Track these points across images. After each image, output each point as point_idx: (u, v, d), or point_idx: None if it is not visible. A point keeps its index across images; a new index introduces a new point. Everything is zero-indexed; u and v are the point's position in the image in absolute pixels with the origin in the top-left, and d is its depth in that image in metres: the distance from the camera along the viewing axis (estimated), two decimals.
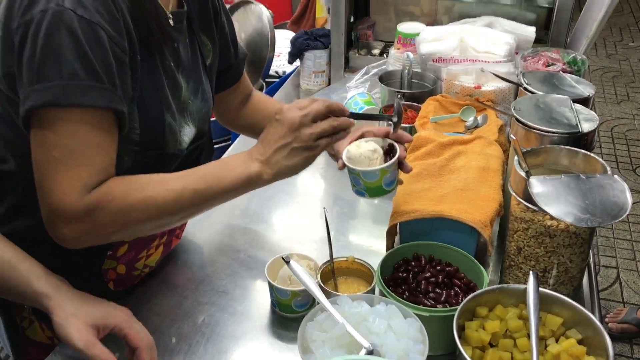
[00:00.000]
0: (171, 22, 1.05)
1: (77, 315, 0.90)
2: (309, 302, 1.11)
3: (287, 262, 1.05)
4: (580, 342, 0.98)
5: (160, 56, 1.03)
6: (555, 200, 1.02)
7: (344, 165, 1.12)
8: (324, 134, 1.01)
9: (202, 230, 1.39)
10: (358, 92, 1.84)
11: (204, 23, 1.17)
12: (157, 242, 1.21)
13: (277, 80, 2.36)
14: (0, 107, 0.98)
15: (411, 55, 1.79)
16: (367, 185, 1.10)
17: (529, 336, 0.97)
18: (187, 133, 1.11)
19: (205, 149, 1.22)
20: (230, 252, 1.32)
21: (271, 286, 1.11)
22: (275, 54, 2.59)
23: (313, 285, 1.01)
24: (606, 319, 2.52)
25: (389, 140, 1.15)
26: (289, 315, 1.13)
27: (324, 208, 1.19)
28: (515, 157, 1.11)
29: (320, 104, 1.01)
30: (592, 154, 1.13)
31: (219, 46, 1.22)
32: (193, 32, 1.14)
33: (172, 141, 1.07)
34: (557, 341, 0.99)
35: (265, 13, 2.31)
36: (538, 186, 1.04)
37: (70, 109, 0.87)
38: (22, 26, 0.86)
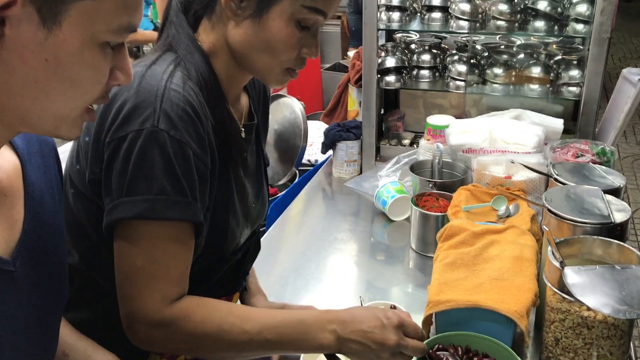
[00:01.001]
0: (243, 134, 1.13)
1: None
2: None
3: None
4: None
5: (234, 167, 1.09)
6: (591, 291, 1.02)
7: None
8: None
9: None
10: (390, 180, 1.88)
11: (264, 130, 1.26)
12: None
13: (311, 168, 2.43)
14: (74, 204, 1.04)
15: (441, 145, 1.84)
16: None
17: None
18: (244, 235, 1.18)
19: (253, 246, 1.26)
20: None
21: None
22: (308, 143, 2.68)
23: None
24: None
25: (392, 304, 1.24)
26: None
27: (360, 297, 1.20)
28: (549, 248, 1.12)
29: (421, 346, 1.06)
30: (626, 245, 1.14)
31: None
32: (259, 140, 1.22)
33: (232, 246, 1.12)
34: None
35: (298, 105, 2.42)
36: (573, 277, 1.05)
37: (156, 222, 0.93)
38: (115, 141, 0.93)
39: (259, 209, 1.22)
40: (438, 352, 1.10)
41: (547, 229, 1.10)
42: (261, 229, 2.01)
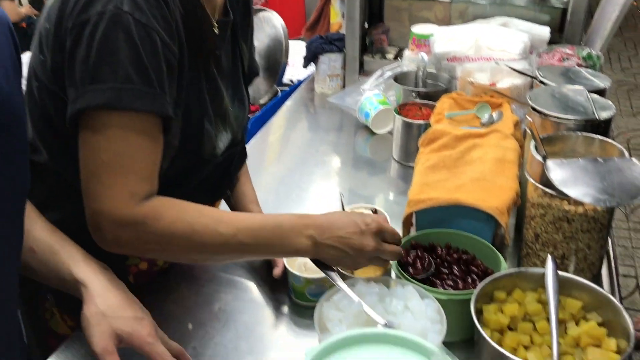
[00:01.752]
0: (216, 30, 1.07)
1: (106, 317, 0.88)
2: (324, 292, 1.10)
3: None
4: (600, 324, 0.97)
5: (204, 63, 1.04)
6: (573, 182, 1.02)
7: (279, 274, 1.17)
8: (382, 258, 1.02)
9: None
10: (373, 93, 1.85)
11: (243, 31, 1.20)
12: None
13: (291, 86, 2.38)
14: (40, 99, 1.00)
15: (425, 56, 1.80)
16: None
17: (548, 320, 0.96)
18: (223, 139, 1.13)
19: (237, 155, 1.23)
20: None
21: (287, 272, 1.12)
22: (289, 64, 2.62)
23: (328, 269, 1.01)
24: None
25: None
26: (303, 303, 1.13)
27: (340, 193, 1.19)
28: (532, 142, 1.10)
29: (399, 250, 1.04)
30: (609, 140, 1.13)
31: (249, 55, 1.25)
32: (236, 40, 1.17)
33: (209, 147, 1.08)
34: (577, 324, 0.98)
35: (278, 19, 2.34)
36: (556, 169, 1.04)
37: (123, 112, 0.88)
38: (77, 26, 0.87)
39: (237, 112, 1.18)
40: (409, 250, 1.10)
41: (530, 120, 1.08)
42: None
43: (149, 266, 1.17)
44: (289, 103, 2.11)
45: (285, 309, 1.15)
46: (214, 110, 1.08)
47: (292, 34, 2.65)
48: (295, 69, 2.84)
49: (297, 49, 2.79)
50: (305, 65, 2.12)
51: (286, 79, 2.68)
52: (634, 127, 4.17)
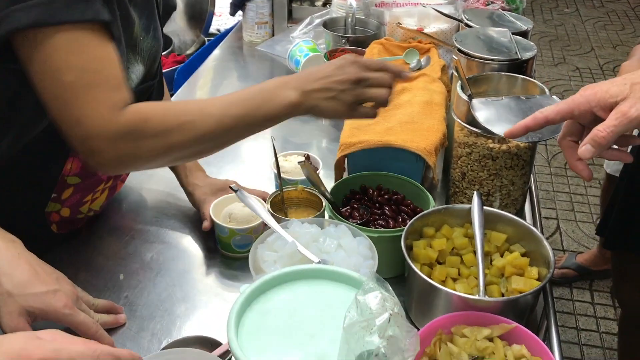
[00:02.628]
0: None
1: (12, 296, 0.83)
2: (250, 242, 1.09)
3: (235, 191, 1.05)
4: (523, 255, 1.02)
5: None
6: (497, 120, 1.04)
7: (209, 226, 1.16)
8: (370, 100, 0.97)
9: (147, 175, 1.36)
10: (303, 40, 1.82)
11: None
12: (102, 186, 1.17)
13: (218, 34, 2.32)
14: None
15: (354, 2, 1.79)
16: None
17: (475, 253, 1.00)
18: (136, 71, 1.07)
19: (155, 91, 1.18)
20: (177, 194, 1.30)
21: (214, 223, 1.11)
22: (216, 12, 2.54)
23: (262, 210, 1.01)
24: None
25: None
26: (229, 254, 1.12)
27: (272, 137, 1.17)
28: (459, 83, 1.12)
29: (386, 75, 0.97)
30: (530, 79, 1.17)
31: None
32: None
33: None
34: (501, 256, 1.03)
35: None
36: (481, 108, 1.07)
37: (61, 27, 0.81)
38: None
39: (150, 43, 1.11)
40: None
41: (456, 58, 1.10)
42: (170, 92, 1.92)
43: (72, 213, 1.13)
44: (216, 52, 2.06)
45: (215, 259, 1.14)
46: (126, 40, 1.03)
47: None
48: (222, 19, 2.76)
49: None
50: (233, 13, 2.06)
51: (213, 28, 2.60)
52: (555, 77, 4.33)
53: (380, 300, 0.60)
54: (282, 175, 1.16)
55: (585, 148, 0.76)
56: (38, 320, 0.84)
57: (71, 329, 0.86)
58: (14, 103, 0.93)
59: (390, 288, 0.65)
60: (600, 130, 0.74)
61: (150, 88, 1.14)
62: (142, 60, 1.08)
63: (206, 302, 1.03)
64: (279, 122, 0.95)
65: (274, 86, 0.94)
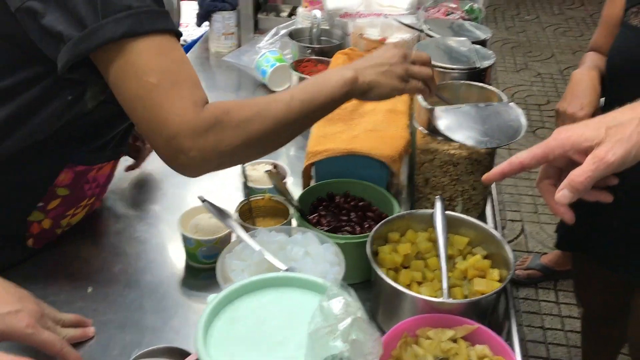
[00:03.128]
0: None
1: None
2: (217, 253, 1.09)
3: (203, 201, 1.06)
4: (485, 257, 1.05)
5: None
6: (457, 127, 1.08)
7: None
8: (416, 76, 1.06)
9: (118, 187, 1.36)
10: (269, 50, 1.84)
11: None
12: (85, 202, 1.18)
13: (184, 45, 2.32)
14: None
15: (319, 13, 1.82)
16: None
17: (438, 256, 1.03)
18: None
19: None
20: (146, 205, 1.30)
21: (181, 234, 1.11)
22: (182, 23, 2.54)
23: (229, 220, 1.02)
24: None
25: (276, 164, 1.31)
26: (196, 265, 1.13)
27: None
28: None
29: (423, 54, 1.09)
30: (489, 87, 1.21)
31: None
32: None
33: None
34: (464, 259, 1.06)
35: None
36: (441, 116, 1.10)
37: (146, 37, 0.87)
38: None
39: None
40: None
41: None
42: None
43: (52, 226, 1.13)
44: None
45: (183, 270, 1.14)
46: None
47: None
48: (188, 29, 2.77)
49: (190, 9, 2.71)
50: (199, 24, 2.07)
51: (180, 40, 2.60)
52: (518, 82, 4.43)
53: (343, 306, 0.62)
54: (250, 184, 1.18)
55: (562, 194, 0.73)
56: (1, 340, 0.84)
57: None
58: (31, 105, 0.97)
59: (354, 293, 0.67)
60: (577, 176, 0.71)
61: None
62: None
63: (174, 313, 1.04)
64: (342, 102, 1.02)
65: (332, 72, 1.03)
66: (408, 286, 1.00)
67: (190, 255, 1.12)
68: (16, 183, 1.04)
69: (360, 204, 1.18)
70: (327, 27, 1.84)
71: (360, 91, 1.02)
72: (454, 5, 1.65)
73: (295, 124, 0.98)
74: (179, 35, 0.94)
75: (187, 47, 2.19)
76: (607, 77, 1.30)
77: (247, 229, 1.05)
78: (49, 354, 0.87)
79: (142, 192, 1.37)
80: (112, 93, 0.96)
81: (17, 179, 1.04)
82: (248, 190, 1.17)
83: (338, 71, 1.02)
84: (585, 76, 1.28)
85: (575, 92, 1.27)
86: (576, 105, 1.25)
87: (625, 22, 1.24)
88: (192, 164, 0.90)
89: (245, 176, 1.17)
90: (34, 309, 0.88)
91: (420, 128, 1.16)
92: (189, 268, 1.14)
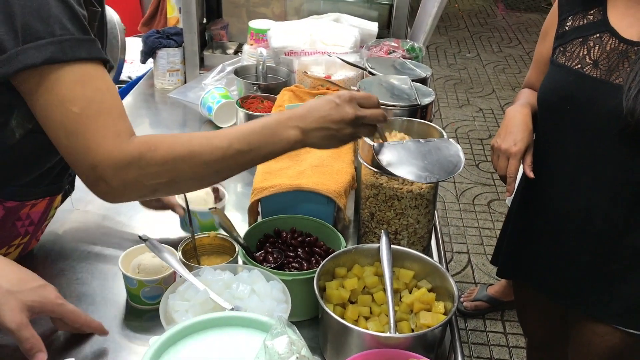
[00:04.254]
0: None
1: (12, 293, 0.88)
2: (160, 294, 1.07)
3: (145, 240, 1.04)
4: (430, 290, 1.06)
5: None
6: (398, 163, 1.10)
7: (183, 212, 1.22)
8: (368, 121, 1.03)
9: (57, 227, 1.32)
10: (215, 87, 1.85)
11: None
12: (18, 241, 1.13)
13: (129, 82, 2.30)
14: None
15: (264, 50, 1.84)
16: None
17: (385, 290, 1.03)
18: None
19: None
20: (87, 246, 1.27)
21: (122, 275, 1.09)
22: (127, 60, 2.52)
23: (172, 259, 1.00)
24: (461, 299, 2.72)
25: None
26: (139, 306, 1.10)
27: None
28: None
29: (379, 111, 1.04)
30: (429, 123, 1.24)
31: None
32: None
33: None
34: (410, 292, 1.07)
35: (114, 14, 2.24)
36: (384, 152, 1.12)
37: (70, 65, 0.86)
38: None
39: None
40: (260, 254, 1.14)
41: None
42: None
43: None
44: (128, 99, 2.04)
45: (125, 311, 1.11)
46: None
47: (129, 31, 2.55)
48: (132, 66, 2.75)
49: (134, 46, 2.69)
50: (143, 61, 2.06)
51: (124, 75, 2.58)
52: (460, 118, 4.57)
53: (287, 344, 0.61)
54: (191, 206, 1.17)
55: None
56: (35, 315, 0.91)
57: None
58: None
59: (297, 331, 0.66)
60: None
61: None
62: None
63: (116, 357, 1.00)
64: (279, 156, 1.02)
65: (276, 123, 0.99)
66: (355, 321, 1.00)
67: (132, 296, 1.09)
68: None
69: (308, 239, 1.18)
70: (273, 65, 1.86)
71: (300, 148, 1.02)
72: (395, 44, 1.69)
73: (228, 171, 0.98)
74: (107, 63, 0.93)
75: (132, 84, 2.17)
76: (538, 112, 1.35)
77: (191, 268, 1.03)
78: (74, 324, 0.96)
79: (82, 230, 1.33)
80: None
81: None
82: (192, 229, 1.15)
83: (284, 128, 0.99)
84: (518, 113, 1.33)
85: (508, 128, 1.32)
86: (509, 141, 1.29)
87: (553, 60, 1.31)
88: (113, 193, 0.90)
89: (188, 212, 1.16)
90: (52, 285, 0.95)
91: (364, 163, 1.17)
92: (131, 309, 1.11)
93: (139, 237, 1.05)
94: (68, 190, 1.24)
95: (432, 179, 1.05)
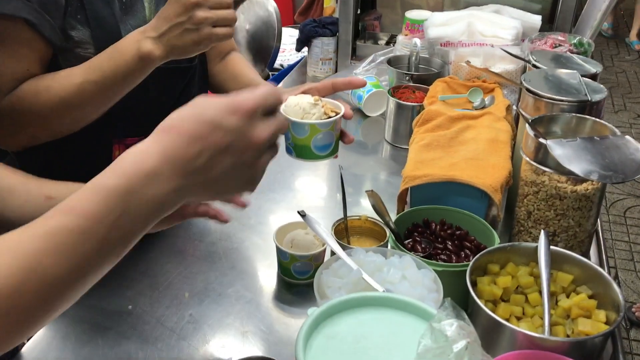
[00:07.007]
0: None
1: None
2: (310, 270, 1.11)
3: (303, 216, 1.07)
4: (590, 297, 0.99)
5: None
6: (576, 160, 1.03)
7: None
8: (217, 23, 1.00)
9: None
10: (366, 76, 1.86)
11: None
12: None
13: (281, 70, 2.38)
14: None
15: (419, 41, 1.82)
16: (294, 141, 0.90)
17: (540, 292, 0.98)
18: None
19: (198, 74, 1.24)
20: (242, 219, 1.33)
21: (276, 247, 1.13)
22: (281, 48, 2.62)
23: (327, 236, 1.02)
24: (633, 309, 2.58)
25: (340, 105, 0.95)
26: (289, 279, 1.14)
27: (340, 166, 1.20)
28: (527, 124, 1.12)
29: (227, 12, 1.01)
30: (601, 121, 1.16)
31: None
32: None
33: None
34: (567, 297, 1.01)
35: (271, 3, 2.34)
36: (557, 148, 1.05)
37: None
38: None
39: None
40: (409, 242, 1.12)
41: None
42: None
43: None
44: (280, 86, 2.12)
45: (276, 283, 1.15)
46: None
47: (284, 21, 2.64)
48: (285, 54, 2.85)
49: (288, 35, 2.79)
50: (299, 49, 2.13)
51: (277, 63, 2.68)
52: (616, 124, 4.24)
53: (456, 328, 0.60)
54: (283, 109, 1.02)
55: None
56: None
57: None
58: None
59: (467, 317, 0.65)
60: None
61: (190, 70, 1.18)
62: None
63: (266, 326, 1.05)
64: (142, 78, 1.01)
65: (124, 39, 0.99)
66: (507, 320, 0.96)
67: (283, 269, 1.13)
68: None
69: (458, 232, 1.15)
70: (426, 56, 1.84)
71: (159, 62, 0.99)
72: (561, 38, 1.60)
73: (92, 105, 1.00)
74: (30, 23, 0.95)
75: (285, 71, 2.25)
76: None
77: (343, 248, 1.04)
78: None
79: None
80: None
81: None
82: (345, 210, 1.16)
83: (136, 40, 0.98)
84: None
85: None
86: None
87: None
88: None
89: (344, 195, 1.17)
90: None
91: (527, 158, 1.12)
92: (280, 281, 1.15)
93: (298, 212, 1.08)
94: None
95: (617, 179, 0.97)
